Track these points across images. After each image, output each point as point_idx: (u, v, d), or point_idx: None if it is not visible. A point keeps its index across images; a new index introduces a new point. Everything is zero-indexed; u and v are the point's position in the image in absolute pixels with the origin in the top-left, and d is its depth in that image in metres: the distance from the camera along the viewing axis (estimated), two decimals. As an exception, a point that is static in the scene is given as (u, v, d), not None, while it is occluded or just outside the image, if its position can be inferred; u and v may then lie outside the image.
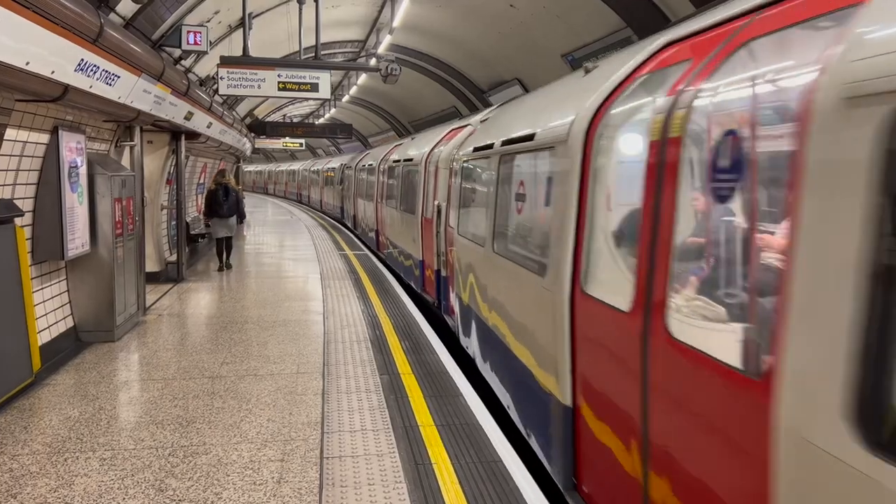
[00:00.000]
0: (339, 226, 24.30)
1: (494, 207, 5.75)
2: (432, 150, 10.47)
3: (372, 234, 17.19)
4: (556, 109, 4.63)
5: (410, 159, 11.97)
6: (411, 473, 4.19)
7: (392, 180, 14.01)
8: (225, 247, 12.57)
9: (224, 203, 12.24)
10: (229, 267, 12.68)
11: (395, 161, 13.81)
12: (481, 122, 8.38)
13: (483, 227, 6.25)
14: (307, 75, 10.57)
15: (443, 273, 8.87)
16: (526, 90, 13.21)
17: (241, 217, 13.17)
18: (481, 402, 5.55)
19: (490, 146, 6.10)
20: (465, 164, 7.53)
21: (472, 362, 7.06)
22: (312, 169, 36.95)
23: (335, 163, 29.72)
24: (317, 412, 5.14)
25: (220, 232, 12.48)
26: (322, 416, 5.08)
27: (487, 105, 14.86)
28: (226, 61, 10.20)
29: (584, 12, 10.38)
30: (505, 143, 5.58)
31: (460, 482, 4.09)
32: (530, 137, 4.77)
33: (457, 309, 7.64)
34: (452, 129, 10.43)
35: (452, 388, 5.88)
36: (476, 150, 6.88)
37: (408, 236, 11.57)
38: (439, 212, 9.07)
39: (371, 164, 17.91)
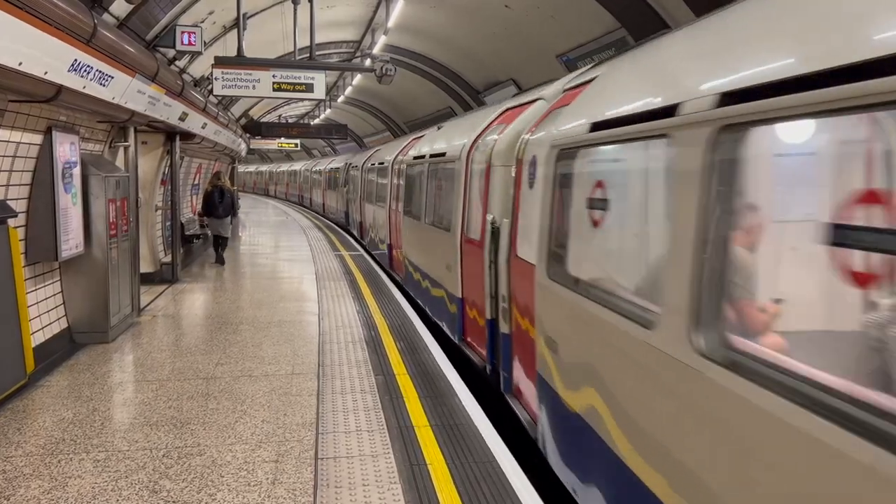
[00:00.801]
0: (335, 227, 24.20)
1: (698, 247, 2.47)
2: (477, 139, 7.45)
3: (384, 248, 13.92)
4: None
5: (441, 154, 8.93)
6: (406, 474, 4.19)
7: (413, 183, 10.81)
8: (221, 245, 13.34)
9: (220, 204, 12.94)
10: (223, 262, 13.24)
11: (416, 158, 10.68)
12: (569, 89, 5.20)
13: (639, 282, 3.43)
14: (302, 76, 10.56)
15: (503, 328, 5.76)
16: (520, 90, 13.13)
17: (234, 213, 14.09)
18: (476, 402, 5.55)
19: (668, 109, 2.78)
20: (563, 157, 4.22)
21: (466, 361, 7.03)
22: (314, 169, 33.50)
23: (339, 162, 26.49)
24: (311, 413, 5.14)
25: (216, 230, 13.26)
26: (317, 416, 5.08)
27: (482, 105, 14.74)
28: (220, 62, 10.18)
29: (579, 13, 10.40)
30: (760, 90, 2.19)
31: (455, 483, 4.09)
32: None
33: (540, 404, 4.61)
34: (508, 110, 7.21)
35: (447, 388, 5.89)
36: (605, 124, 3.58)
37: (438, 260, 8.49)
38: (495, 232, 5.98)
39: (383, 163, 14.74)
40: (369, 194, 16.87)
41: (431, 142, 10.51)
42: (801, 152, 2.60)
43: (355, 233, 20.23)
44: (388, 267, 13.29)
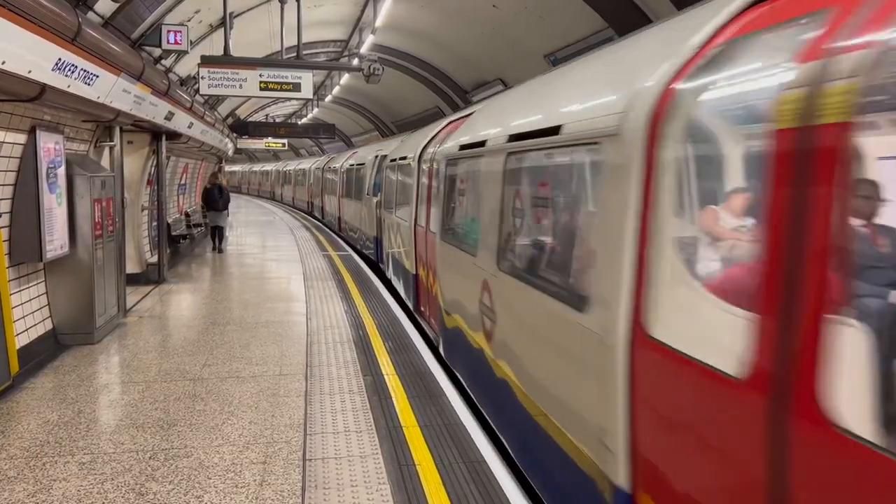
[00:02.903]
0: (324, 227, 23.92)
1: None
2: None
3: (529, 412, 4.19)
4: None
5: None
6: (395, 474, 4.18)
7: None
8: (217, 234, 15.30)
9: (219, 199, 15.01)
10: (222, 251, 15.15)
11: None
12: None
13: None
14: (289, 75, 10.53)
15: None
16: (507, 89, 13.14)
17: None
18: (464, 403, 5.55)
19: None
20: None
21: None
22: (329, 167, 23.80)
23: (367, 154, 16.24)
24: (299, 414, 5.12)
25: (214, 221, 15.33)
26: (305, 417, 5.06)
27: (470, 105, 14.60)
28: (206, 61, 10.13)
29: (566, 13, 10.43)
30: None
31: (443, 483, 4.09)
32: None
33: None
34: None
35: (436, 388, 5.88)
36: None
37: None
38: None
39: (528, 138, 4.23)
40: (456, 230, 6.77)
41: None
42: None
43: (402, 291, 10.12)
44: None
